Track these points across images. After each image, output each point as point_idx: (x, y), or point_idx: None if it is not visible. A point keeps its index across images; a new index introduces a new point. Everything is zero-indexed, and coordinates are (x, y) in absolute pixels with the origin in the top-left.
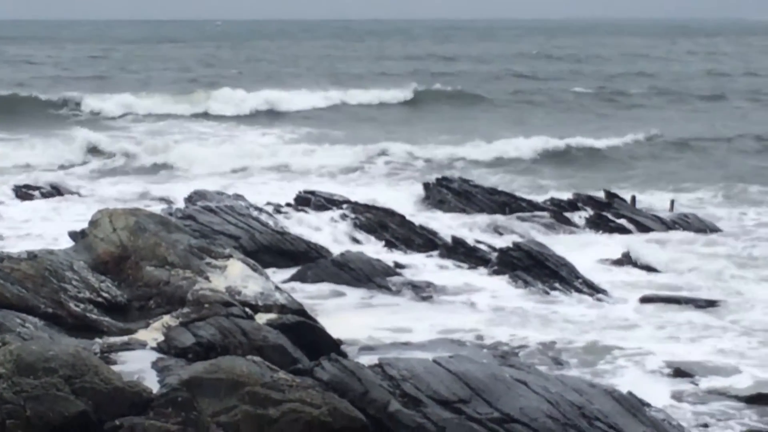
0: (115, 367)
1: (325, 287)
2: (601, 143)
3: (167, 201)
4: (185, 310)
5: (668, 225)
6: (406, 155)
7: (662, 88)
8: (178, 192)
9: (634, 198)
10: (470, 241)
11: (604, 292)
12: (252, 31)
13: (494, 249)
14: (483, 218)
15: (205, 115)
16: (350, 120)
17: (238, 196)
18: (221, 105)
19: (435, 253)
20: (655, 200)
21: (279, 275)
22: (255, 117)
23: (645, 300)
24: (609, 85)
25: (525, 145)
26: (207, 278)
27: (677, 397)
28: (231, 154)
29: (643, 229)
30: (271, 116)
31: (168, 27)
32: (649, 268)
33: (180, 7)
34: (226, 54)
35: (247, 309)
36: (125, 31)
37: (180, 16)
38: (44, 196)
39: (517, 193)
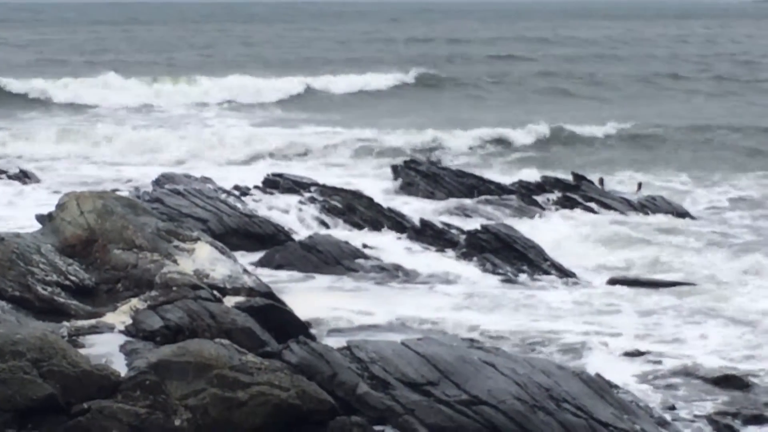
0: (82, 351)
1: (294, 270)
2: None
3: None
4: (153, 293)
5: (635, 207)
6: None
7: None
8: (147, 175)
9: (602, 180)
10: (438, 224)
11: (572, 274)
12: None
13: (462, 231)
14: (451, 201)
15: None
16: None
17: (206, 179)
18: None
19: (403, 235)
20: (624, 182)
21: (247, 258)
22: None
23: (613, 282)
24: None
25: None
26: (175, 261)
27: (645, 379)
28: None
29: (611, 210)
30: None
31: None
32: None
33: None
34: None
35: (215, 292)
36: (94, 14)
37: None
38: (10, 179)
39: (485, 176)
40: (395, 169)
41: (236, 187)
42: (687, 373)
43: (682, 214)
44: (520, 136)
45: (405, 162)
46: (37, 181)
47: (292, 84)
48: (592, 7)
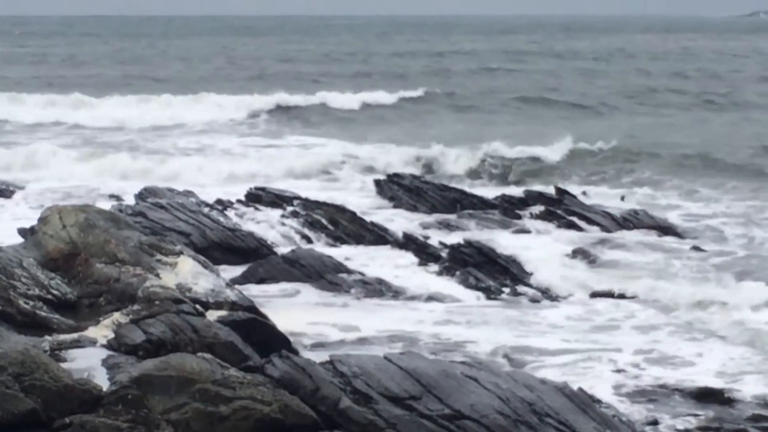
0: (64, 365)
1: (276, 284)
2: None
3: (117, 198)
4: (135, 307)
5: (618, 222)
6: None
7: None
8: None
9: (584, 193)
10: (421, 238)
11: (554, 288)
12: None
13: (445, 245)
14: (434, 215)
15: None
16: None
17: (189, 193)
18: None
19: (386, 248)
20: (608, 195)
21: (230, 272)
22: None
23: (595, 296)
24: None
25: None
26: (157, 275)
27: (627, 393)
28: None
29: (595, 225)
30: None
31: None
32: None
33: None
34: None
35: (197, 306)
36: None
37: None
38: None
39: (468, 190)
40: (378, 183)
41: (219, 201)
42: (670, 387)
43: (665, 228)
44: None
45: (388, 176)
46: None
47: (284, 99)
48: (579, 22)
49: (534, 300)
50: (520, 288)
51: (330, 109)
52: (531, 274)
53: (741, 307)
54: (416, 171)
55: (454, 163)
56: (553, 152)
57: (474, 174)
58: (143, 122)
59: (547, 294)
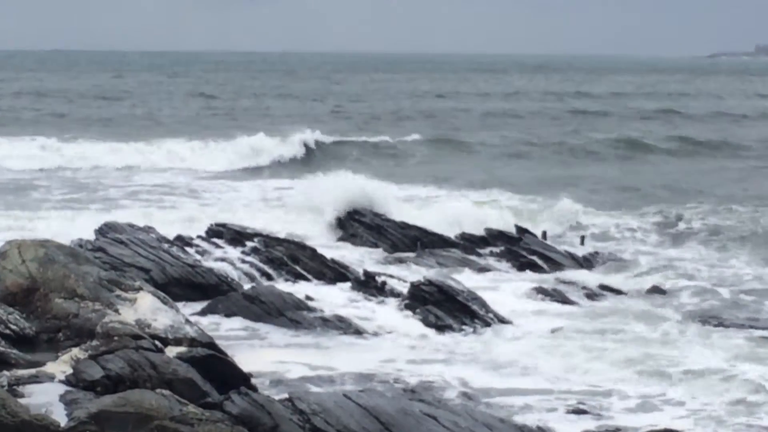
0: (22, 400)
1: (236, 321)
2: None
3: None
4: (94, 342)
5: (579, 262)
6: None
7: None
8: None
9: (544, 233)
10: (382, 276)
11: (515, 325)
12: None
13: (406, 282)
14: (395, 252)
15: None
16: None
17: (150, 228)
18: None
19: (346, 286)
20: (569, 235)
21: (189, 308)
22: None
23: (555, 331)
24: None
25: None
26: (117, 311)
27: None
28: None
29: (555, 265)
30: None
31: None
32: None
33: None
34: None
35: (156, 342)
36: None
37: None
38: None
39: (429, 228)
40: (339, 220)
41: (179, 237)
42: (629, 428)
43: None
44: None
45: (348, 213)
46: None
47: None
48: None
49: (493, 337)
50: (480, 326)
51: None
52: (491, 311)
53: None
54: None
55: None
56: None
57: None
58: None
59: (507, 331)
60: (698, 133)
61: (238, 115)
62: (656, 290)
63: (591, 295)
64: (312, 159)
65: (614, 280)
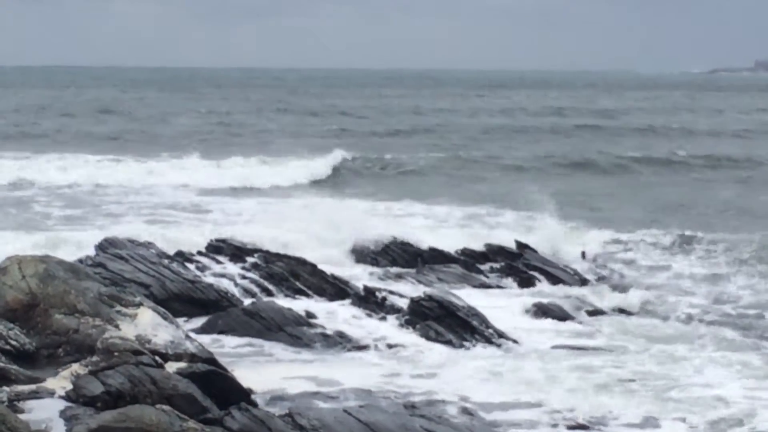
0: (22, 416)
1: (236, 336)
2: None
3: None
4: (94, 358)
5: (580, 277)
6: None
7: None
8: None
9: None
10: (382, 291)
11: (515, 341)
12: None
13: (406, 298)
14: (395, 268)
15: None
16: None
17: (150, 244)
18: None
19: (347, 302)
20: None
21: (190, 324)
22: None
23: (557, 347)
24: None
25: None
26: (117, 326)
27: None
28: None
29: (555, 281)
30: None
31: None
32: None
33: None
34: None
35: (156, 357)
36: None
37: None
38: None
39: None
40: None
41: (179, 253)
42: None
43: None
44: None
45: None
46: None
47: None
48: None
49: (493, 353)
50: (480, 341)
51: None
52: (491, 327)
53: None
54: None
55: None
56: None
57: None
58: None
59: (508, 346)
60: (722, 150)
61: (244, 132)
62: (658, 306)
63: (592, 312)
64: (338, 177)
65: (617, 297)
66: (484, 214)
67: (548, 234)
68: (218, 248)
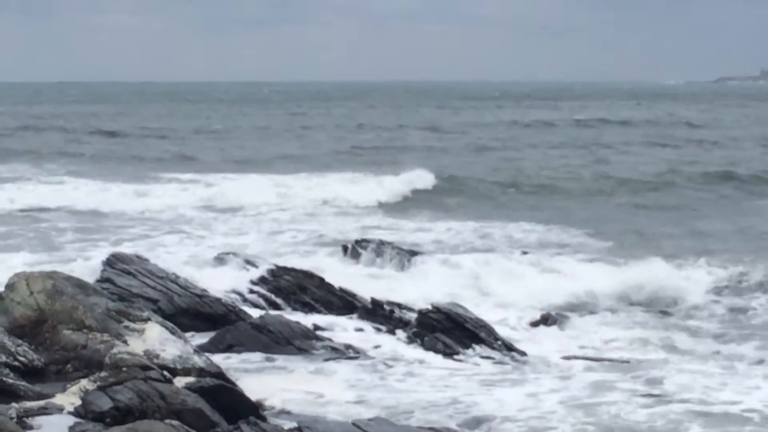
0: None
1: (244, 350)
2: None
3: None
4: (103, 374)
5: None
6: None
7: None
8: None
9: None
10: (389, 304)
11: (523, 353)
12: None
13: (414, 311)
14: None
15: None
16: None
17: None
18: None
19: (354, 315)
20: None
21: (198, 338)
22: None
23: (567, 358)
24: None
25: None
26: (125, 342)
27: None
28: None
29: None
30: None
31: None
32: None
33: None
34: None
35: (165, 372)
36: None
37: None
38: None
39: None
40: (345, 249)
41: (187, 264)
42: None
43: None
44: None
45: (356, 241)
46: None
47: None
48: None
49: (503, 364)
50: (489, 353)
51: None
52: (499, 339)
53: None
54: None
55: None
56: None
57: None
58: None
59: (516, 358)
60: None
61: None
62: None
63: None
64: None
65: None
66: None
67: None
68: (225, 261)
